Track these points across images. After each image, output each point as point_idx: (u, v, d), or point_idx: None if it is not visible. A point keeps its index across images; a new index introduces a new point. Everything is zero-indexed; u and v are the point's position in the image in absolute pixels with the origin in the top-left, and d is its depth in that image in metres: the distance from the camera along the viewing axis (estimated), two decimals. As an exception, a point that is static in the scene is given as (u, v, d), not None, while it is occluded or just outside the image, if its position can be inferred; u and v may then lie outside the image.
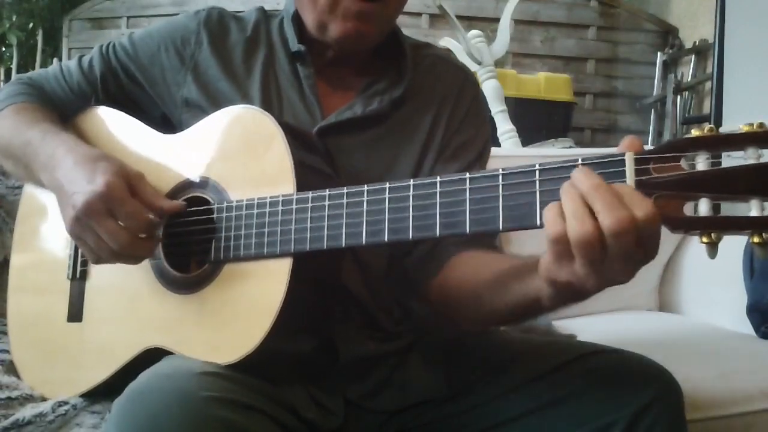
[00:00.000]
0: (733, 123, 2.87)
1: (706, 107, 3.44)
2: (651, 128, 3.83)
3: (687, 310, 1.75)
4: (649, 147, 0.62)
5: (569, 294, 0.65)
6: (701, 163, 0.57)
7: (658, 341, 1.41)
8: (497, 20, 2.99)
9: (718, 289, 1.63)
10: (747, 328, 1.47)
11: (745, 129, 0.56)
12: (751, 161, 0.56)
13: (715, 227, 0.56)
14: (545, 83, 3.38)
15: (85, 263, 0.94)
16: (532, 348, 0.89)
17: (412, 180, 0.71)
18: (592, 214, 0.58)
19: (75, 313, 0.93)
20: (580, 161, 0.62)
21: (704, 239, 0.57)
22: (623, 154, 0.60)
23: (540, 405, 0.82)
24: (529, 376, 0.84)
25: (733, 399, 1.13)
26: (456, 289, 0.86)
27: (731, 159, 0.57)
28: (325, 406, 0.84)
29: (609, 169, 0.60)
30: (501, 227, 0.66)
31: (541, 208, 0.63)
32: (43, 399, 0.92)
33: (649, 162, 0.59)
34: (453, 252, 0.89)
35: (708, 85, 3.35)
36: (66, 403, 0.88)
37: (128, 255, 0.81)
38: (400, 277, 0.94)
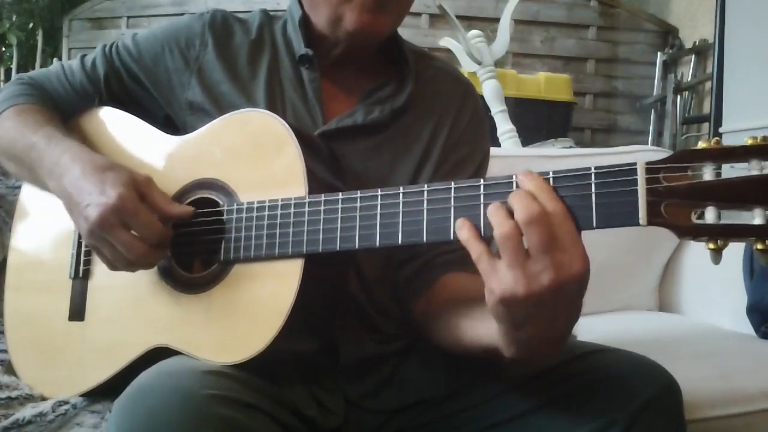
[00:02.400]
0: (733, 123, 2.88)
1: (706, 107, 3.45)
2: (651, 128, 3.83)
3: (687, 310, 1.75)
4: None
5: (511, 324, 0.65)
6: (708, 173, 0.60)
7: (658, 341, 1.41)
8: (497, 20, 2.99)
9: (718, 289, 1.63)
10: (747, 328, 1.47)
11: (749, 142, 0.59)
12: (755, 172, 0.59)
13: (721, 234, 0.60)
14: (545, 83, 3.38)
15: (87, 262, 0.94)
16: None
17: (426, 185, 0.72)
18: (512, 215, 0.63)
19: (76, 312, 0.93)
20: (593, 170, 0.64)
21: (710, 246, 0.60)
22: (635, 164, 0.63)
23: (539, 404, 0.82)
24: (528, 375, 0.84)
25: (733, 399, 1.13)
26: (436, 311, 0.86)
27: (735, 170, 0.60)
28: (325, 405, 0.85)
29: (622, 178, 0.63)
30: None
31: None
32: (43, 399, 0.92)
33: (660, 171, 0.61)
34: (442, 272, 0.89)
35: (708, 85, 3.36)
36: (66, 402, 0.88)
37: (143, 263, 0.82)
38: (393, 284, 0.95)
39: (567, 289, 0.62)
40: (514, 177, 0.67)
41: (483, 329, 0.72)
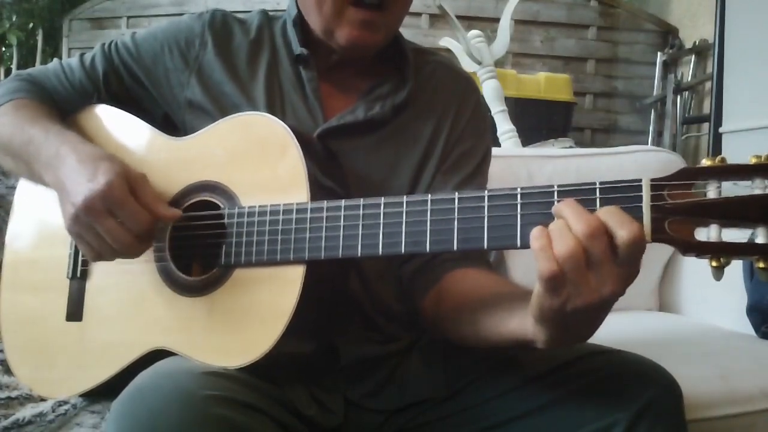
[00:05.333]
0: (733, 123, 2.87)
1: (706, 107, 3.44)
2: (651, 128, 3.83)
3: (687, 310, 1.75)
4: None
5: (560, 325, 0.65)
6: (711, 191, 0.61)
7: (658, 341, 1.40)
8: (497, 20, 2.99)
9: (718, 289, 1.62)
10: (747, 328, 1.47)
11: (753, 160, 0.60)
12: (758, 191, 0.59)
13: (724, 252, 0.60)
14: (545, 83, 3.38)
15: (85, 263, 0.94)
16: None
17: (429, 195, 0.72)
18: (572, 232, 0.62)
19: (74, 312, 0.93)
20: (598, 185, 0.64)
21: (714, 263, 0.60)
22: (640, 180, 0.63)
23: (540, 405, 0.82)
24: (529, 376, 0.84)
25: (733, 399, 1.13)
26: (451, 307, 0.86)
27: (738, 188, 0.60)
28: (325, 404, 0.85)
29: (626, 194, 0.63)
30: (519, 244, 0.67)
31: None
32: (42, 399, 0.92)
33: (664, 188, 0.62)
34: (449, 268, 0.89)
35: (708, 85, 3.36)
36: (66, 402, 0.88)
37: (127, 253, 0.82)
38: (396, 282, 0.95)
39: (622, 292, 0.63)
40: (518, 189, 0.67)
41: (513, 324, 0.72)
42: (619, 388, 0.78)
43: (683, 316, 1.74)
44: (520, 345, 0.72)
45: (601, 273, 0.61)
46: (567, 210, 0.62)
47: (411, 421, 0.90)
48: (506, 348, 0.77)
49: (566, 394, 0.80)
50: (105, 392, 0.88)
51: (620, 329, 1.57)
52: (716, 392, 1.13)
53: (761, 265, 0.58)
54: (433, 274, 0.90)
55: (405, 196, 0.73)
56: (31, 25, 4.41)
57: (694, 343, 1.42)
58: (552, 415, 0.81)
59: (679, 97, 3.65)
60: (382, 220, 0.73)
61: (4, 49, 4.50)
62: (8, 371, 0.99)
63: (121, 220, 0.79)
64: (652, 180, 0.62)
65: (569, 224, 0.61)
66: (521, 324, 0.69)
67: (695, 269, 1.75)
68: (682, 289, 1.78)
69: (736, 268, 1.50)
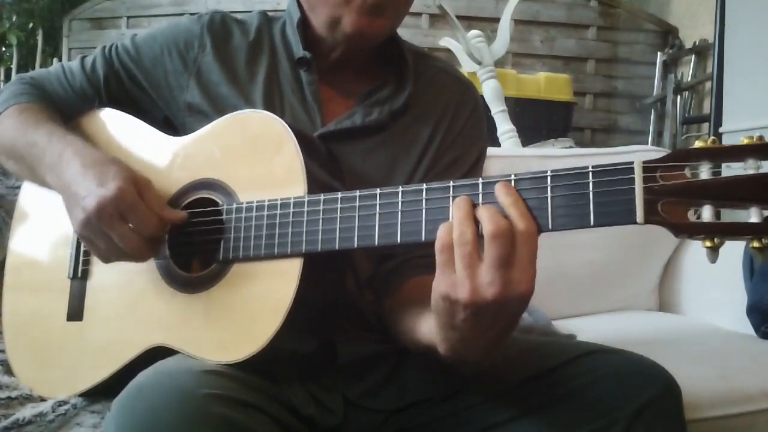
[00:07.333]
0: (733, 123, 2.87)
1: (706, 107, 3.44)
2: (651, 128, 3.83)
3: (687, 310, 1.75)
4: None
5: (449, 317, 0.66)
6: (704, 172, 0.61)
7: (658, 341, 1.41)
8: (497, 20, 2.99)
9: (718, 289, 1.63)
10: (747, 328, 1.47)
11: (745, 141, 0.60)
12: (751, 171, 0.59)
13: (717, 232, 0.60)
14: (545, 83, 3.38)
15: (86, 262, 0.94)
16: (531, 348, 0.89)
17: (425, 184, 0.72)
18: (476, 221, 0.64)
19: (75, 312, 0.93)
20: (590, 169, 0.65)
21: (707, 244, 0.60)
22: (632, 163, 0.63)
23: (539, 404, 0.81)
24: (528, 375, 0.84)
25: (733, 399, 1.13)
26: (398, 313, 0.87)
27: (731, 169, 0.60)
28: (324, 404, 0.85)
29: (618, 176, 0.63)
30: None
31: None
32: (42, 399, 0.92)
33: (657, 170, 0.62)
34: (412, 274, 0.90)
35: (708, 85, 3.36)
36: (66, 402, 0.88)
37: (137, 256, 0.83)
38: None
39: (508, 306, 0.63)
40: (512, 176, 0.67)
41: (426, 326, 0.74)
42: (619, 388, 0.78)
43: (683, 316, 1.74)
44: (430, 351, 0.73)
45: (492, 273, 0.62)
46: (483, 212, 0.64)
47: (411, 421, 0.90)
48: (424, 353, 0.79)
49: (566, 393, 0.80)
50: (105, 392, 0.88)
51: (620, 329, 1.58)
52: (716, 392, 1.13)
53: (755, 245, 0.58)
54: (400, 278, 0.91)
55: (401, 186, 0.73)
56: (31, 25, 4.41)
57: (694, 343, 1.42)
58: (551, 415, 0.80)
59: (679, 97, 3.65)
60: (377, 211, 0.74)
61: (4, 49, 4.50)
62: (9, 371, 0.99)
63: (132, 224, 0.80)
64: (645, 162, 0.62)
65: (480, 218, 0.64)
66: (432, 327, 0.71)
67: (696, 269, 1.75)
68: (682, 289, 1.78)
69: (736, 267, 1.51)
